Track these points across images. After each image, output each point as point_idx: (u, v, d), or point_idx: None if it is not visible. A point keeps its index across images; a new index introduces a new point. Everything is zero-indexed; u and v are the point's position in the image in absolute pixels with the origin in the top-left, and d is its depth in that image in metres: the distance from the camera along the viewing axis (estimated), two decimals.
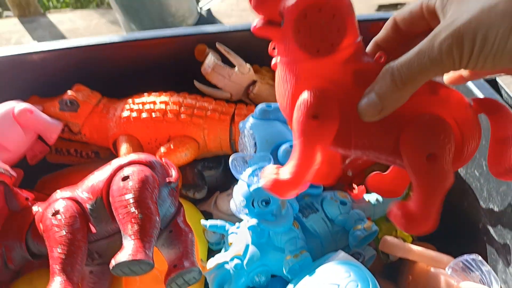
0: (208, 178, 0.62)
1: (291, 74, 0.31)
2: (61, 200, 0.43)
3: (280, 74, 0.32)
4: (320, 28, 0.29)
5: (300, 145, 0.30)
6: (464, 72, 0.34)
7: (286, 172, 0.30)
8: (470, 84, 0.48)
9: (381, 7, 1.29)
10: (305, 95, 0.29)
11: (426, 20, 0.30)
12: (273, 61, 0.33)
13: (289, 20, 0.29)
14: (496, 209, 0.45)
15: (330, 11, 0.28)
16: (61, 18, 1.43)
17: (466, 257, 0.44)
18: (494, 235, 0.46)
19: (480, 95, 0.47)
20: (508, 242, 0.44)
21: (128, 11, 1.12)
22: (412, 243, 0.49)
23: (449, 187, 0.29)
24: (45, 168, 0.62)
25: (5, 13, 1.53)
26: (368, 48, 0.34)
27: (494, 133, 0.32)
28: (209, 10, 1.32)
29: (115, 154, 0.60)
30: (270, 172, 0.31)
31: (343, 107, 0.30)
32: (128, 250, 0.36)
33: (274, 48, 0.32)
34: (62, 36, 1.32)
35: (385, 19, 0.33)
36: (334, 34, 0.29)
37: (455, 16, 0.25)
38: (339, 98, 0.30)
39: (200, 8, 1.27)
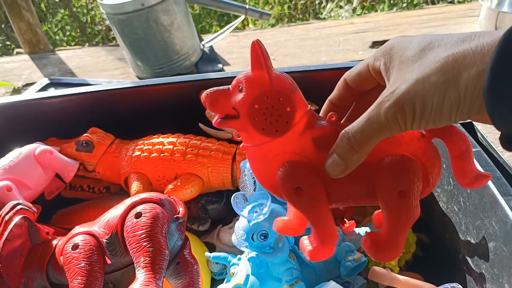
0: (211, 211, 0.66)
1: (259, 156, 0.34)
2: (80, 235, 0.47)
3: (249, 158, 0.35)
4: (272, 112, 0.32)
5: (305, 216, 0.33)
6: None
7: (315, 241, 0.34)
8: None
9: (375, 44, 1.35)
10: (279, 175, 0.33)
11: (373, 78, 0.33)
12: (242, 144, 0.35)
13: (243, 113, 0.32)
14: (472, 241, 0.50)
15: (276, 96, 0.32)
16: (70, 55, 1.48)
17: (447, 285, 0.48)
18: (472, 265, 0.50)
19: None
20: (483, 271, 0.48)
21: (135, 50, 1.17)
22: (398, 273, 0.53)
23: (414, 221, 0.32)
24: (61, 203, 0.67)
25: (16, 50, 1.59)
26: (324, 106, 0.38)
27: (451, 152, 0.34)
28: (211, 47, 1.37)
29: (125, 190, 0.64)
30: (304, 246, 0.35)
31: (313, 172, 0.33)
32: (140, 280, 0.40)
33: (238, 135, 0.35)
34: (71, 73, 1.37)
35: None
36: (286, 113, 0.32)
37: (397, 84, 0.27)
38: (308, 165, 0.33)
39: (203, 45, 1.32)
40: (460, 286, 0.46)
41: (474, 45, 0.24)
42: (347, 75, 0.35)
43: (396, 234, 0.33)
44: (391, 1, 2.35)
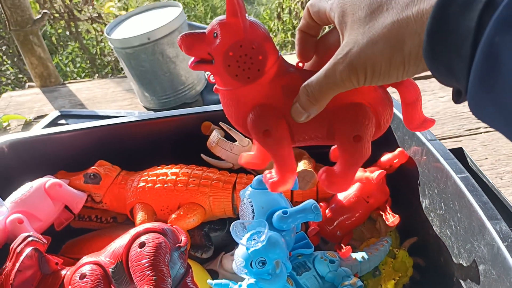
0: (214, 238, 0.68)
1: (231, 100, 0.37)
2: (87, 264, 0.50)
3: (222, 99, 0.38)
4: (245, 60, 0.34)
5: (271, 155, 0.37)
6: None
7: (276, 175, 0.39)
8: (435, 152, 0.56)
9: None
10: (250, 116, 0.36)
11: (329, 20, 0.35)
12: (215, 87, 0.38)
13: (218, 59, 0.35)
14: (464, 264, 0.51)
15: (249, 45, 0.34)
16: (80, 87, 1.52)
17: None
18: (464, 287, 0.52)
19: (445, 162, 0.54)
20: None
21: (142, 81, 1.21)
22: None
23: (365, 159, 0.36)
24: (70, 233, 0.69)
25: (28, 83, 1.65)
26: (296, 36, 0.39)
27: (403, 100, 0.38)
28: None
29: (131, 220, 0.67)
30: (267, 179, 0.40)
31: (280, 115, 0.36)
32: None
33: (212, 78, 0.38)
34: (81, 104, 1.40)
35: None
36: (258, 61, 0.34)
37: (349, 45, 0.30)
38: (276, 109, 0.36)
39: (207, 75, 1.36)
40: None
41: (415, 11, 0.26)
42: (310, 5, 0.36)
43: (348, 171, 0.37)
44: None
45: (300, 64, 0.38)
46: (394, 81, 0.30)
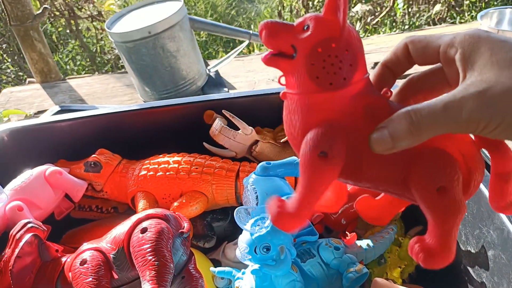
0: (217, 228, 0.68)
1: (301, 106, 0.30)
2: (88, 250, 0.49)
3: (289, 105, 0.31)
4: (333, 61, 0.29)
5: (304, 180, 0.29)
6: None
7: (290, 207, 0.29)
8: None
9: (376, 64, 1.37)
10: (315, 131, 0.29)
11: (439, 60, 0.30)
12: (282, 91, 0.32)
13: (302, 53, 0.29)
14: (473, 250, 0.51)
15: (343, 46, 0.29)
16: (80, 82, 1.52)
17: None
18: (473, 274, 0.51)
19: None
20: (484, 280, 0.48)
21: (142, 76, 1.20)
22: (402, 285, 0.54)
23: (462, 217, 0.29)
24: (70, 223, 0.68)
25: (28, 79, 1.64)
26: (376, 70, 0.34)
27: (495, 169, 0.31)
28: (217, 72, 1.40)
29: (132, 209, 0.66)
30: (274, 205, 0.30)
31: (353, 140, 0.29)
32: None
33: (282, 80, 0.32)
34: (81, 99, 1.40)
35: None
36: (347, 68, 0.29)
37: (489, 83, 0.25)
38: (349, 131, 0.29)
39: (209, 70, 1.35)
40: None
41: None
42: (411, 41, 0.32)
43: (444, 235, 0.29)
44: (393, 24, 2.39)
45: (388, 93, 0.31)
46: None
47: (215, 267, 0.58)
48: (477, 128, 0.25)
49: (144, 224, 0.48)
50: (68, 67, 2.44)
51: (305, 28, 0.29)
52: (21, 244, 0.49)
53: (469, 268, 0.51)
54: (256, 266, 0.48)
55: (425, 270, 0.60)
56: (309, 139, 0.29)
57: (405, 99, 0.34)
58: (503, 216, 0.45)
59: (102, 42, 2.52)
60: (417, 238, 0.30)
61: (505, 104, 0.24)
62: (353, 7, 2.42)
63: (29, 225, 0.51)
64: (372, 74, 0.34)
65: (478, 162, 0.31)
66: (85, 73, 2.39)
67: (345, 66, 0.29)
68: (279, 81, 0.32)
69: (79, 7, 2.38)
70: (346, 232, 0.56)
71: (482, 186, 0.48)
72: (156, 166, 0.64)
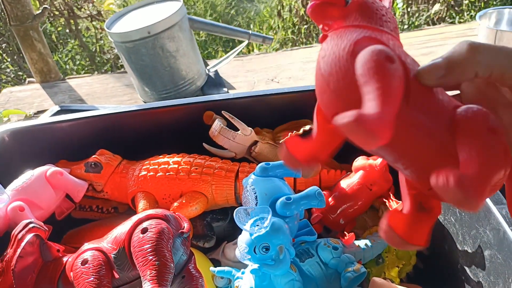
0: (217, 228, 0.68)
1: (350, 33, 0.28)
2: (89, 250, 0.49)
3: (330, 43, 0.28)
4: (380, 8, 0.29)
5: (375, 84, 0.23)
6: None
7: (371, 107, 0.22)
8: None
9: None
10: (372, 47, 0.25)
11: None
12: (321, 35, 0.30)
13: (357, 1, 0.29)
14: (469, 250, 0.51)
15: None
16: (79, 82, 1.52)
17: None
18: (470, 274, 0.51)
19: None
20: (480, 280, 0.49)
21: (142, 76, 1.21)
22: (400, 284, 0.54)
23: (504, 174, 0.25)
24: (71, 224, 0.69)
25: (28, 79, 1.64)
26: None
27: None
28: (216, 72, 1.40)
29: (133, 209, 0.67)
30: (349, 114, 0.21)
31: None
32: None
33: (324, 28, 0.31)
34: (80, 99, 1.40)
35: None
36: (392, 18, 0.30)
37: None
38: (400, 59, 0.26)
39: (208, 70, 1.35)
40: None
41: None
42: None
43: (487, 174, 0.23)
44: None
45: None
46: None
47: (215, 266, 0.58)
48: None
49: (145, 224, 0.48)
50: (67, 66, 2.44)
51: None
52: (23, 244, 0.49)
53: (466, 268, 0.52)
54: (256, 266, 0.49)
55: (423, 270, 0.61)
56: (368, 51, 0.25)
57: None
58: (499, 216, 0.45)
59: (102, 41, 2.52)
60: (450, 171, 0.23)
61: None
62: None
63: (31, 225, 0.51)
64: None
65: None
66: (84, 73, 2.40)
67: (390, 15, 0.30)
68: (323, 29, 0.30)
69: (79, 6, 2.39)
70: (345, 232, 0.57)
71: None
72: (156, 166, 0.64)
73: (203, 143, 0.70)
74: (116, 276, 0.47)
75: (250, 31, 1.27)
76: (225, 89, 1.32)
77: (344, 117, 0.21)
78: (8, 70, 2.45)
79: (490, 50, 0.26)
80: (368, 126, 0.21)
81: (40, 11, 1.44)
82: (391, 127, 0.22)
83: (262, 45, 2.03)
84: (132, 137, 0.70)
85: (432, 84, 0.26)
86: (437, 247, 0.59)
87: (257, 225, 0.49)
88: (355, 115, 0.21)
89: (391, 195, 0.60)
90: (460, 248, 0.53)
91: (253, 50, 2.17)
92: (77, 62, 2.49)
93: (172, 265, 0.46)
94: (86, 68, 2.47)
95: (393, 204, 0.58)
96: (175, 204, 0.61)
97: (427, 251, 0.61)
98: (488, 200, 0.47)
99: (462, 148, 0.25)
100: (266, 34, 2.28)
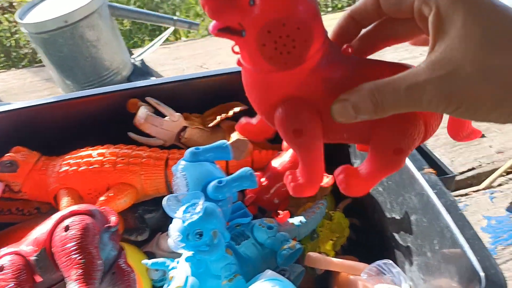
0: (149, 220, 0.65)
1: (257, 83, 0.30)
2: (5, 256, 0.45)
3: (247, 79, 0.31)
4: (285, 42, 0.27)
5: (298, 155, 0.31)
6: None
7: (302, 178, 0.32)
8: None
9: None
10: (279, 112, 0.30)
11: (413, 13, 0.26)
12: (238, 59, 0.30)
13: (251, 34, 0.27)
14: (397, 217, 0.53)
15: (294, 25, 0.26)
16: None
17: (379, 262, 0.50)
18: (399, 240, 0.53)
19: None
20: (409, 244, 0.51)
21: (61, 69, 1.14)
22: (335, 256, 0.55)
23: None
24: None
25: None
26: (341, 19, 0.31)
27: None
28: (142, 61, 1.36)
29: (56, 208, 0.62)
30: (289, 181, 0.33)
31: (315, 111, 0.30)
32: None
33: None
34: None
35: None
36: (301, 45, 0.27)
37: (451, 66, 0.23)
38: (312, 103, 0.29)
39: (134, 59, 1.31)
40: (390, 261, 0.49)
41: None
42: None
43: (374, 178, 0.32)
44: None
45: (349, 50, 0.30)
46: (486, 121, 0.25)
47: (149, 259, 0.56)
48: (437, 110, 0.25)
49: (67, 221, 0.46)
50: None
51: (251, 3, 0.26)
52: None
53: (395, 234, 0.54)
54: (190, 253, 0.48)
55: (356, 241, 0.63)
56: (277, 120, 0.30)
57: (374, 45, 0.32)
58: (422, 182, 0.47)
59: (17, 35, 2.35)
60: (345, 166, 0.34)
61: (465, 90, 0.23)
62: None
63: None
64: (336, 24, 0.32)
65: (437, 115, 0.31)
66: None
67: (299, 43, 0.27)
68: (232, 50, 0.30)
69: None
70: (278, 211, 0.57)
71: None
72: (79, 160, 0.60)
73: (129, 132, 0.66)
74: (39, 279, 0.44)
75: (175, 17, 1.23)
76: (153, 78, 1.28)
77: (287, 179, 0.34)
78: None
79: None
80: (302, 192, 0.33)
81: None
82: (318, 184, 0.33)
83: (189, 32, 1.99)
84: (51, 132, 0.65)
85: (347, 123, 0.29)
86: (369, 217, 0.61)
87: (189, 212, 0.48)
88: (292, 186, 0.34)
89: None
90: (389, 216, 0.55)
91: (180, 38, 2.12)
92: None
93: (99, 262, 0.43)
94: (1, 65, 2.29)
95: (323, 178, 0.58)
96: (102, 198, 0.58)
97: (359, 223, 0.63)
98: (412, 167, 0.48)
99: (372, 155, 0.32)
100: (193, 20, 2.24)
